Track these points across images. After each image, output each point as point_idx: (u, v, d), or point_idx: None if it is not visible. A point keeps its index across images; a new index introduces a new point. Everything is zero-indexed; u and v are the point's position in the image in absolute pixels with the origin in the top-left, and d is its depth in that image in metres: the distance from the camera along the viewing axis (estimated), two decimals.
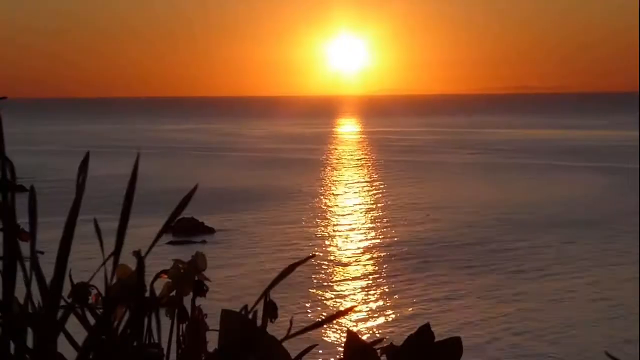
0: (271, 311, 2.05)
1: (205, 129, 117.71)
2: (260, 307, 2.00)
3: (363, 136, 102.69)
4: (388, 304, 22.47)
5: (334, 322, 15.63)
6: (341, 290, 23.92)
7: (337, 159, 67.27)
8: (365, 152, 76.30)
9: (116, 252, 1.73)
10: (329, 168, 58.75)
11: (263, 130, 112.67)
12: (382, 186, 48.56)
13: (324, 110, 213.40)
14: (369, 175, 54.86)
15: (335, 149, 78.51)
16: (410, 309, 21.94)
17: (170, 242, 29.59)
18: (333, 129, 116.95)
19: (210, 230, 32.19)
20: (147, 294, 1.88)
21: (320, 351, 17.09)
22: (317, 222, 34.88)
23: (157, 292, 1.98)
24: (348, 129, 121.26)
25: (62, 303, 1.76)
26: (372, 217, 36.68)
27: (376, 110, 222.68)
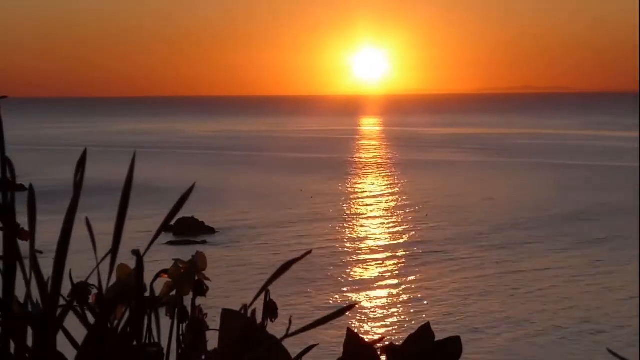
0: (271, 311, 2.05)
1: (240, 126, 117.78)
2: (259, 306, 2.00)
3: (365, 135, 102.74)
4: (390, 301, 22.48)
5: (335, 320, 15.61)
6: (340, 289, 23.92)
7: (340, 158, 67.25)
8: (368, 151, 76.30)
9: (113, 251, 1.73)
10: (330, 168, 58.72)
11: (276, 129, 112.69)
12: (382, 186, 48.59)
13: (340, 110, 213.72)
14: (369, 175, 54.87)
15: (340, 148, 78.50)
16: (411, 304, 21.96)
17: (171, 242, 29.58)
18: (337, 128, 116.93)
19: (211, 230, 32.17)
20: (147, 294, 1.88)
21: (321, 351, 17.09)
22: (318, 221, 34.88)
23: (157, 291, 1.98)
24: (354, 128, 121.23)
25: (62, 302, 1.76)
26: (373, 216, 36.69)
27: (387, 109, 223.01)
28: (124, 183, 1.71)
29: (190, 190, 1.78)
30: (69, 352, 1.78)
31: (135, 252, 1.69)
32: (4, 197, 1.70)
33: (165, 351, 1.91)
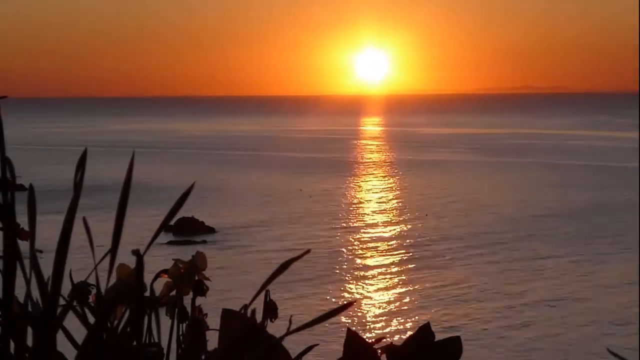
0: (271, 311, 2.05)
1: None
2: (259, 305, 2.00)
3: (366, 135, 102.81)
4: (389, 301, 22.49)
5: (335, 320, 15.65)
6: (340, 287, 23.93)
7: (340, 158, 67.26)
8: (368, 151, 76.33)
9: (113, 251, 1.73)
10: (330, 168, 58.72)
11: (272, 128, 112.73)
12: (382, 185, 48.60)
13: (342, 109, 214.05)
14: (369, 175, 54.89)
15: (340, 148, 78.51)
16: (411, 301, 21.97)
17: (171, 242, 29.57)
18: (338, 128, 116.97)
19: (211, 230, 32.16)
20: (147, 294, 1.87)
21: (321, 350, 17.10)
22: (317, 221, 34.88)
23: (157, 291, 1.98)
24: (355, 128, 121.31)
25: (62, 301, 1.75)
26: (373, 216, 36.70)
27: (388, 109, 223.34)
28: (123, 183, 1.71)
29: (189, 190, 1.78)
30: (69, 352, 1.77)
31: (136, 252, 1.69)
32: (4, 197, 1.70)
33: (165, 351, 1.91)
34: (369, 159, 67.92)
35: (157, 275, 1.99)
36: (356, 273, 25.98)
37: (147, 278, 1.83)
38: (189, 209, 30.88)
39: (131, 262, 1.81)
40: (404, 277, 25.36)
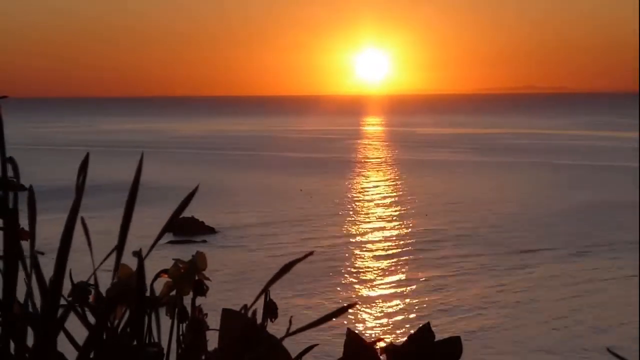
0: (271, 311, 2.06)
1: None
2: (260, 306, 2.00)
3: (366, 135, 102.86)
4: (390, 302, 22.50)
5: (335, 320, 15.60)
6: (341, 288, 23.94)
7: (340, 158, 67.26)
8: (368, 151, 76.33)
9: (118, 251, 1.73)
10: (330, 168, 58.73)
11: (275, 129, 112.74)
12: (382, 185, 48.61)
13: (342, 109, 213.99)
14: (369, 175, 54.90)
15: (340, 148, 78.50)
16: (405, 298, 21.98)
17: (171, 242, 29.55)
18: (338, 128, 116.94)
19: (211, 230, 32.15)
20: (147, 294, 1.88)
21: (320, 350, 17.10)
22: (318, 221, 34.88)
23: (157, 291, 1.98)
24: (355, 128, 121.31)
25: (63, 302, 1.76)
26: (373, 216, 36.70)
27: (389, 109, 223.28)
28: (131, 183, 1.72)
29: (194, 192, 1.78)
30: (70, 352, 1.78)
31: (137, 254, 1.70)
32: (5, 197, 1.70)
33: (165, 351, 1.91)
34: (369, 158, 67.92)
35: (157, 275, 2.00)
36: (357, 274, 25.98)
37: (147, 278, 1.83)
38: (189, 208, 30.70)
39: (131, 261, 1.81)
40: (403, 278, 25.36)
